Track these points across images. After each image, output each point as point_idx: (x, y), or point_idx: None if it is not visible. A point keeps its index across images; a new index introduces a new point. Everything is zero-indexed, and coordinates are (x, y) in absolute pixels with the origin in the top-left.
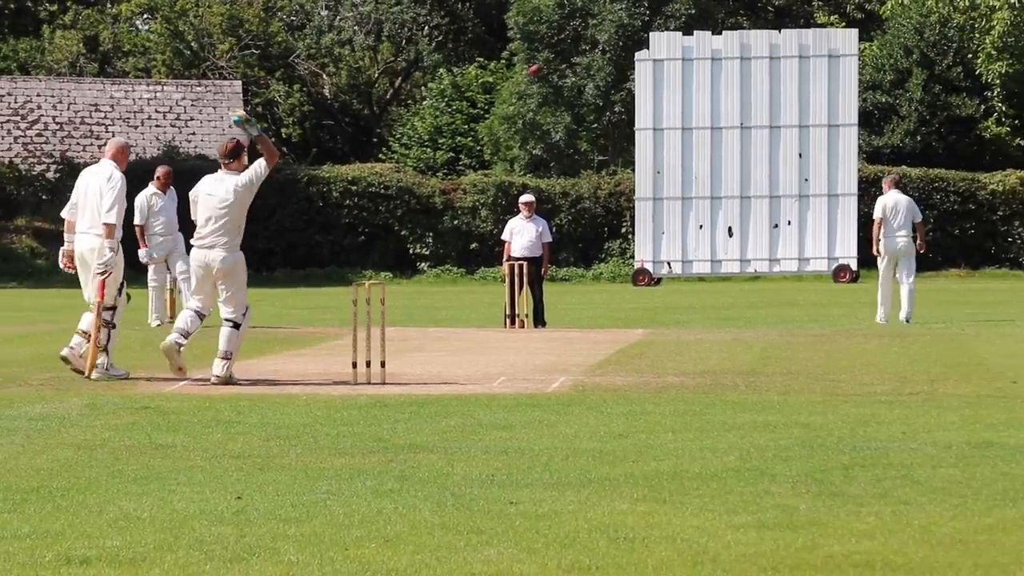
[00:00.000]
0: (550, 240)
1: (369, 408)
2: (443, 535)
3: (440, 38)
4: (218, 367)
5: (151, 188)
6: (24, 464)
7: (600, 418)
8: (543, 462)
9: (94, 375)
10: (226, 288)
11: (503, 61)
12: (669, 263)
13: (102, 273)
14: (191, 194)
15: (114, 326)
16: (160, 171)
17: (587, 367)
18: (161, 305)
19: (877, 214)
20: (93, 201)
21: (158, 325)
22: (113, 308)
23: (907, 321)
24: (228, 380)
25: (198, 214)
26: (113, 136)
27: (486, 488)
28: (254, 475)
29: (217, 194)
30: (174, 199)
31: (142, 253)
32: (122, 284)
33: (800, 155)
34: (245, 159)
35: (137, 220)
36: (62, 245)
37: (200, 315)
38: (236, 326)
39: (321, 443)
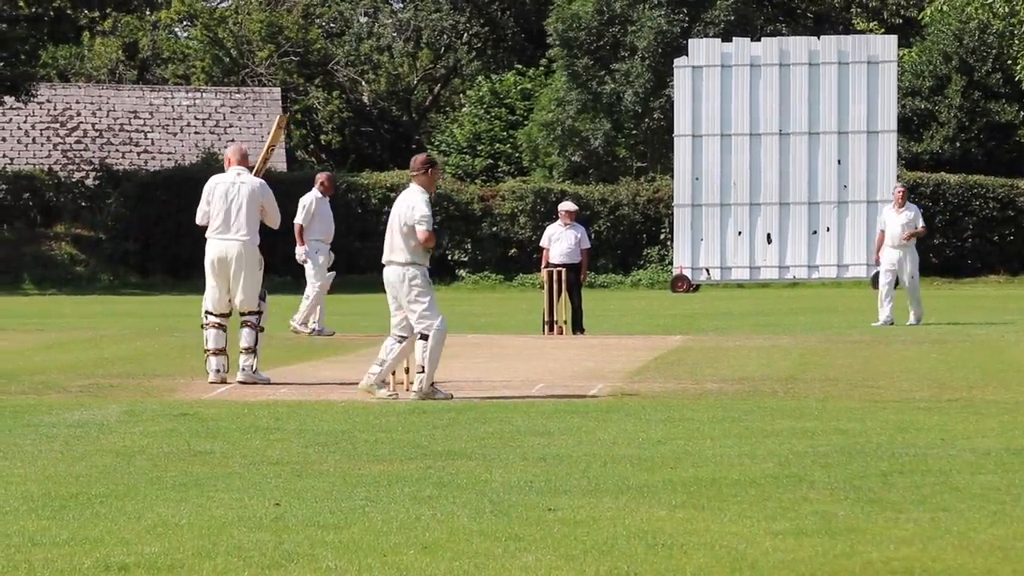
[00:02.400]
0: (589, 247)
1: (407, 415)
2: (481, 542)
3: (479, 45)
4: (415, 381)
5: (316, 192)
6: (63, 471)
7: (638, 424)
8: (581, 468)
9: (240, 376)
10: (407, 303)
11: (542, 68)
12: (708, 269)
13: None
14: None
15: (262, 329)
16: (323, 176)
17: (625, 374)
18: (320, 311)
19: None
20: (241, 209)
21: (317, 332)
22: (259, 312)
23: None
24: (426, 395)
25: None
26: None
27: (524, 495)
28: (292, 482)
29: (397, 205)
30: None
31: (299, 251)
32: (263, 289)
33: (839, 161)
34: (436, 174)
35: (299, 219)
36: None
37: (399, 338)
38: (424, 338)
39: (359, 450)
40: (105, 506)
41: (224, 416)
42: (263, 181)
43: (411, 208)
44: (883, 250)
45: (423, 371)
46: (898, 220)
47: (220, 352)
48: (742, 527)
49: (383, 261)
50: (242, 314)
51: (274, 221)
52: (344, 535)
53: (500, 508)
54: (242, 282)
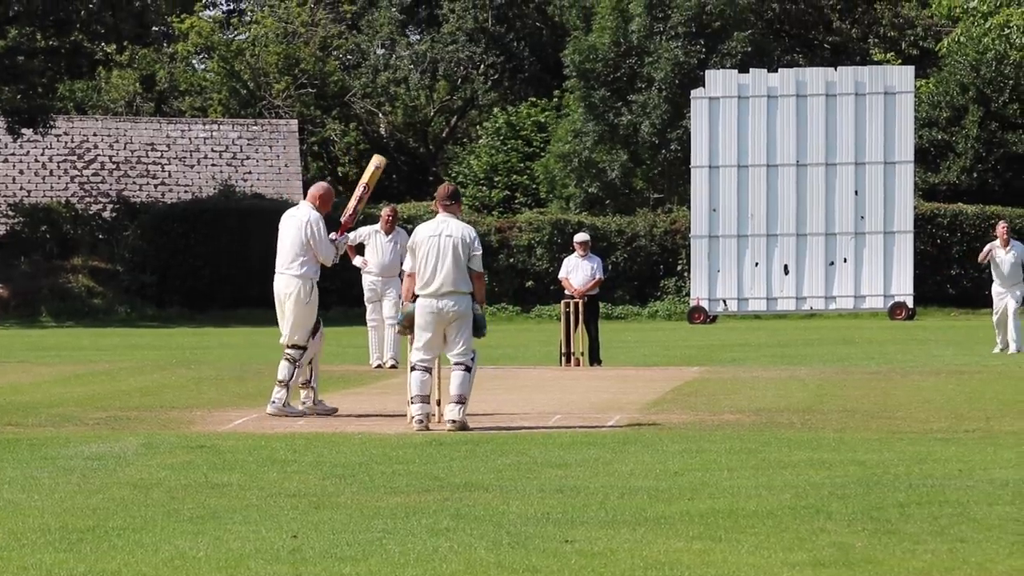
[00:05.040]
0: (602, 277)
1: (424, 446)
2: (499, 573)
3: (496, 76)
4: (453, 411)
5: (376, 226)
6: (80, 503)
7: (655, 456)
8: (598, 500)
9: (269, 409)
10: (458, 333)
11: (555, 99)
12: (725, 301)
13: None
14: (409, 243)
15: (299, 365)
16: (384, 211)
17: (642, 405)
18: (380, 345)
19: None
20: (287, 243)
21: (378, 366)
22: (304, 348)
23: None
24: (464, 425)
25: (419, 261)
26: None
27: (541, 526)
28: (310, 514)
29: (451, 235)
30: (399, 243)
31: (356, 261)
32: (317, 323)
33: (856, 192)
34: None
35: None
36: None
37: (429, 370)
38: (468, 369)
39: (376, 482)
40: (122, 539)
41: (241, 448)
42: (318, 216)
43: (472, 240)
44: (994, 286)
45: (461, 402)
46: (1007, 259)
47: (305, 385)
48: (759, 558)
49: (433, 292)
50: (287, 347)
51: (323, 257)
52: (362, 567)
53: (518, 540)
54: (290, 317)
